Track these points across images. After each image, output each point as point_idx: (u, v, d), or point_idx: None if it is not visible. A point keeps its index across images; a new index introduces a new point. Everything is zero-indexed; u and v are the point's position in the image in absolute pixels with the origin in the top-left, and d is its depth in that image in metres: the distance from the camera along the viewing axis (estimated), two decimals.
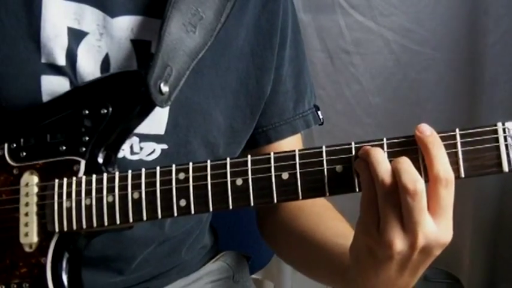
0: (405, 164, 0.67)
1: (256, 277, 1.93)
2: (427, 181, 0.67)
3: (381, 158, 0.67)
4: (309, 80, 1.03)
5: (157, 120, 0.85)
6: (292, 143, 0.99)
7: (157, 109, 0.80)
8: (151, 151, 0.86)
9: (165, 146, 0.87)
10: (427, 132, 0.68)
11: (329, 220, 0.93)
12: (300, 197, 0.71)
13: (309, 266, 0.95)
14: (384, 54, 1.94)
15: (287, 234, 0.97)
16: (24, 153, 0.79)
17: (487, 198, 2.01)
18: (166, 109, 0.85)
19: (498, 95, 1.85)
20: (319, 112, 1.03)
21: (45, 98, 0.81)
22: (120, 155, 0.83)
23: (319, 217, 0.95)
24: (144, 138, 0.85)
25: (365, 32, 1.90)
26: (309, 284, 1.22)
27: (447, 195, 0.67)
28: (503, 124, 0.67)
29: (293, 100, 0.99)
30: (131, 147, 0.85)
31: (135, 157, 0.85)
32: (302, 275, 0.98)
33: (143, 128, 0.82)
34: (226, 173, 0.73)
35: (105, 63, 0.83)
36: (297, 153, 0.71)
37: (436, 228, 0.67)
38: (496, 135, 0.67)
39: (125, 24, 0.84)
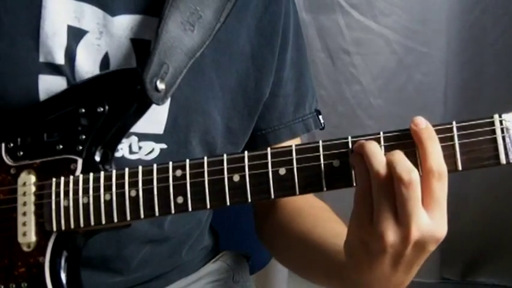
0: (399, 155, 0.66)
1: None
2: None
3: (375, 151, 0.67)
4: (310, 84, 1.02)
5: (156, 120, 0.85)
6: None
7: (156, 108, 0.79)
8: (150, 150, 0.86)
9: (164, 146, 0.86)
10: (422, 125, 0.67)
11: (326, 222, 0.93)
12: (297, 192, 0.71)
13: (307, 267, 0.94)
14: (385, 54, 1.93)
15: (285, 236, 0.97)
16: (21, 153, 0.79)
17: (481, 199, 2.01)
18: (166, 108, 0.85)
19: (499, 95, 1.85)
20: (320, 117, 1.02)
21: (43, 97, 0.81)
22: (119, 154, 0.83)
23: (316, 219, 0.94)
24: (142, 137, 0.85)
25: (365, 32, 1.89)
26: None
27: (440, 188, 0.66)
28: (500, 116, 0.67)
29: (293, 104, 0.99)
30: (130, 146, 0.85)
31: (134, 156, 0.85)
32: (297, 283, 0.98)
33: (142, 127, 0.82)
34: (223, 169, 0.72)
35: (105, 62, 0.83)
36: (293, 148, 0.71)
37: (430, 221, 0.66)
38: (493, 127, 0.66)
39: (124, 23, 0.84)
